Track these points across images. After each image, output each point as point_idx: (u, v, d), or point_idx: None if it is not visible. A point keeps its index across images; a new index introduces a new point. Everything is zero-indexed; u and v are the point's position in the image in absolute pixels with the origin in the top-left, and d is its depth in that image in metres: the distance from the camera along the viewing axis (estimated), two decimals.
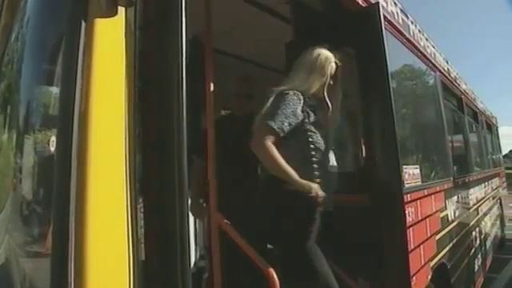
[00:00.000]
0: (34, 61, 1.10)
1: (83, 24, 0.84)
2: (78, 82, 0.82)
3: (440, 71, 3.08)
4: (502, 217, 5.55)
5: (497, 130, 7.09)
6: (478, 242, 3.47)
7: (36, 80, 1.11)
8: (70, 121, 0.81)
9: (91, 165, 0.81)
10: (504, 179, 6.69)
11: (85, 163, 0.80)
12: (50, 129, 0.96)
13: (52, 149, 0.88)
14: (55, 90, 0.93)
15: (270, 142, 1.41)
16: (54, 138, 0.87)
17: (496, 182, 5.46)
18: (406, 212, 1.71)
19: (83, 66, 0.83)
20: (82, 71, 0.83)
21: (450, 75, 3.50)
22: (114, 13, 0.88)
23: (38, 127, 1.05)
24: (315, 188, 1.43)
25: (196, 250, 2.25)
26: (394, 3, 2.19)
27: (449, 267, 2.32)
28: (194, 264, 2.19)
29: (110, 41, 0.88)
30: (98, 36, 0.86)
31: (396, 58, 1.99)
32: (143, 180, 0.94)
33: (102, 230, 0.81)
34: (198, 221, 2.26)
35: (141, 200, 0.93)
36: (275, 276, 1.48)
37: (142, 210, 0.93)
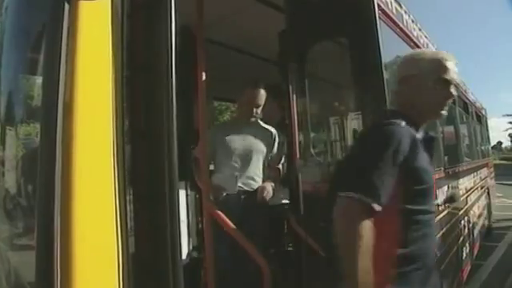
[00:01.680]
0: (14, 48, 1.05)
1: (66, 8, 0.80)
2: (61, 70, 0.79)
3: None
4: (489, 206, 5.68)
5: (486, 121, 7.20)
6: (466, 230, 3.54)
7: (18, 69, 1.07)
8: (54, 111, 0.78)
9: (77, 156, 0.78)
10: (492, 169, 6.82)
11: (71, 154, 0.78)
12: (37, 120, 0.92)
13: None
14: (38, 79, 0.89)
15: None
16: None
17: (484, 172, 5.56)
18: None
19: (67, 53, 0.80)
20: (65, 59, 0.79)
21: None
22: None
23: (23, 119, 1.01)
24: None
25: (189, 240, 2.24)
26: None
27: (438, 255, 2.37)
28: (187, 255, 2.19)
29: (95, 27, 0.84)
30: (83, 22, 0.82)
31: (389, 47, 1.98)
32: (132, 171, 0.91)
33: (89, 223, 0.79)
34: (190, 211, 2.25)
35: (130, 191, 0.91)
36: (267, 266, 1.48)
37: (132, 201, 0.91)
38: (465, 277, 3.34)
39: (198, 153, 1.93)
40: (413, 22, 2.64)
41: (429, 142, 1.12)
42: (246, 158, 2.13)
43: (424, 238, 1.02)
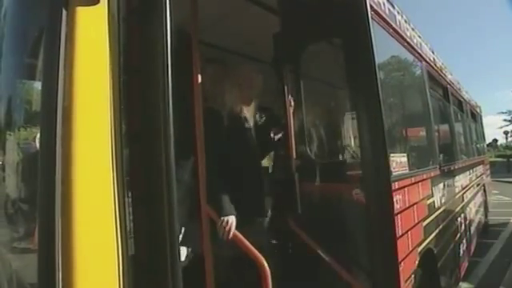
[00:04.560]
0: (13, 53, 1.07)
1: (64, 13, 0.82)
2: (60, 75, 0.80)
3: (426, 61, 3.11)
4: (485, 203, 5.72)
5: (481, 119, 7.26)
6: (463, 227, 3.57)
7: (17, 74, 1.08)
8: (53, 115, 0.79)
9: (77, 160, 0.80)
10: (488, 167, 6.87)
11: (70, 158, 0.79)
12: (35, 125, 0.93)
13: (38, 145, 0.86)
14: (37, 84, 0.91)
15: None
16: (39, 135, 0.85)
17: (480, 169, 5.61)
18: (394, 199, 1.74)
19: (65, 57, 0.81)
20: (64, 63, 0.81)
21: (435, 65, 3.55)
22: (96, 1, 0.85)
23: (21, 124, 1.03)
24: None
25: (187, 241, 2.24)
26: None
27: (435, 252, 2.39)
28: (186, 256, 2.19)
29: (92, 31, 0.86)
30: (80, 26, 0.83)
31: (382, 48, 2.00)
32: (130, 173, 0.92)
33: (89, 226, 0.80)
34: (187, 213, 2.25)
35: (129, 194, 0.92)
36: (266, 265, 1.49)
37: (131, 203, 0.92)
38: (462, 273, 3.37)
39: (195, 154, 1.93)
40: (406, 22, 2.67)
41: None
42: None
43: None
